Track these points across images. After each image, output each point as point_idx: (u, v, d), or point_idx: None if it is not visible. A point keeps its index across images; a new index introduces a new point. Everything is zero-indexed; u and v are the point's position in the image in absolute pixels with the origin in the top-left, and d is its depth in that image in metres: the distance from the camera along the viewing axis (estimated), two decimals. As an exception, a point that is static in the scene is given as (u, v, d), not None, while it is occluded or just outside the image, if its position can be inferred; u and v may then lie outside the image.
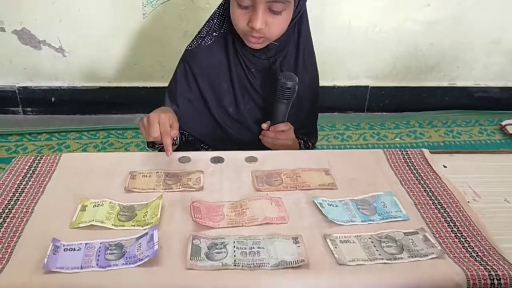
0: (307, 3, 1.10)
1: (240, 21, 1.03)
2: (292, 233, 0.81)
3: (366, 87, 2.47)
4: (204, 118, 1.18)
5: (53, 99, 2.34)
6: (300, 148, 1.23)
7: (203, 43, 1.14)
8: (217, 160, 1.05)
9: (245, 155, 1.07)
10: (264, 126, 1.15)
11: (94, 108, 2.38)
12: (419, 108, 2.53)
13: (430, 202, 0.92)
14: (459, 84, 2.52)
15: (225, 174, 1.00)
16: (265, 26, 1.01)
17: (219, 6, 1.13)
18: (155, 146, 1.15)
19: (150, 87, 2.32)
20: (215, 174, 1.00)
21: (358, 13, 2.23)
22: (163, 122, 0.97)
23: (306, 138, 1.26)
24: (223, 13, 1.12)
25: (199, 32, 1.15)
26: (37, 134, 2.18)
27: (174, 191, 0.94)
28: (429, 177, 1.01)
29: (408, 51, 2.37)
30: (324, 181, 0.98)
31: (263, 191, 0.95)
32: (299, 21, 1.11)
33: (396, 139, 2.29)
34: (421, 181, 0.99)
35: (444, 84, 2.52)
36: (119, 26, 2.17)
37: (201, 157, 1.06)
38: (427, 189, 0.97)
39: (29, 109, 2.37)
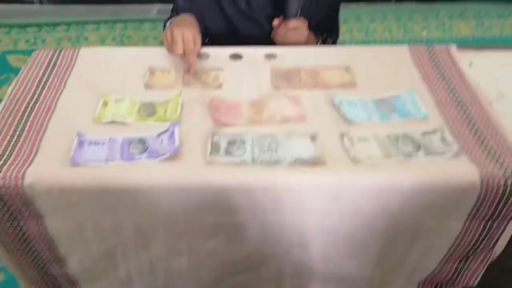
0: None
1: None
2: (310, 131, 0.83)
3: None
4: (216, 15, 1.13)
5: None
6: (317, 42, 1.19)
7: None
8: (236, 57, 1.04)
9: (264, 51, 1.05)
10: (275, 22, 1.10)
11: None
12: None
13: (452, 100, 0.91)
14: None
15: (243, 71, 1.00)
16: None
17: None
18: None
19: None
20: (234, 71, 0.99)
21: None
22: (187, 40, 0.94)
23: (326, 35, 1.22)
24: None
25: None
26: (55, 26, 2.16)
27: (193, 88, 0.94)
28: (453, 75, 0.98)
29: None
30: (344, 79, 0.97)
31: (282, 88, 0.94)
32: None
33: (424, 32, 2.20)
34: (445, 79, 0.97)
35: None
36: None
37: (220, 53, 1.04)
38: (450, 87, 0.95)
39: None
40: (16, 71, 1.84)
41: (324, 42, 1.22)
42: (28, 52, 1.94)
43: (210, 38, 1.19)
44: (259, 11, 1.13)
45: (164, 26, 1.16)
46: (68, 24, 2.16)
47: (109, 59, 1.01)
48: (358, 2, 2.40)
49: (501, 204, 0.77)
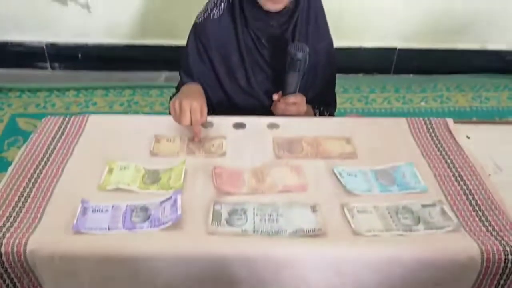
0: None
1: None
2: (311, 202, 0.84)
3: (394, 48, 2.41)
4: (216, 91, 1.16)
5: (80, 55, 2.36)
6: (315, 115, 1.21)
7: (211, 15, 1.11)
8: (240, 126, 1.07)
9: (267, 121, 1.08)
10: (275, 97, 1.11)
11: (120, 65, 2.38)
12: (448, 71, 2.46)
13: (451, 174, 0.93)
14: (491, 47, 2.43)
15: (247, 140, 1.02)
16: None
17: None
18: None
19: (175, 46, 2.28)
20: (237, 140, 1.02)
21: None
22: (194, 111, 0.96)
23: (323, 108, 1.25)
24: None
25: (207, 4, 1.13)
26: (65, 90, 2.22)
27: (197, 157, 0.96)
28: (451, 148, 1.00)
29: (440, 11, 2.28)
30: (344, 150, 0.99)
31: (284, 158, 0.96)
32: None
33: (422, 103, 2.26)
34: (443, 152, 0.99)
35: (475, 46, 2.43)
36: None
37: (224, 122, 1.07)
38: (448, 160, 0.97)
39: (56, 64, 2.40)
40: (24, 134, 1.89)
41: (322, 115, 1.24)
42: (38, 116, 2.02)
43: (211, 108, 1.21)
44: (258, 88, 1.16)
45: (170, 100, 1.19)
46: (77, 89, 2.22)
47: (117, 127, 1.04)
48: (357, 73, 2.47)
49: (502, 281, 0.76)
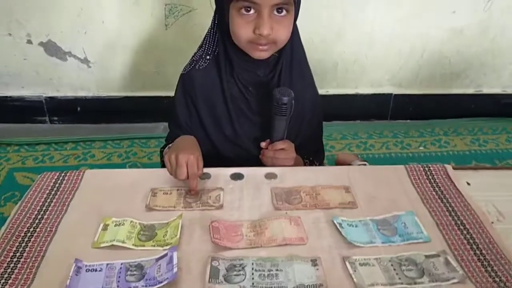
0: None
1: (243, 30, 0.99)
2: (311, 255, 0.81)
3: (390, 95, 2.45)
4: (204, 142, 1.14)
5: (78, 108, 2.39)
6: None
7: (197, 66, 1.12)
8: (237, 177, 1.06)
9: (265, 171, 1.07)
10: (263, 144, 1.11)
11: (119, 117, 2.41)
12: (445, 115, 2.49)
13: (453, 222, 0.91)
14: (486, 91, 2.47)
15: (244, 191, 1.01)
16: (272, 32, 0.98)
17: (208, 30, 1.11)
18: None
19: (172, 96, 2.31)
20: (235, 191, 1.01)
21: (381, 21, 2.20)
22: (191, 164, 0.96)
23: (312, 158, 1.24)
24: (214, 35, 1.10)
25: (193, 56, 1.14)
26: (63, 143, 2.22)
27: (194, 210, 0.95)
28: (452, 195, 0.99)
29: (433, 59, 2.34)
30: (344, 199, 0.98)
31: (283, 209, 0.95)
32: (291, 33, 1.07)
33: (420, 148, 2.26)
34: (444, 200, 0.98)
35: (470, 91, 2.47)
36: (142, 37, 2.20)
37: (221, 173, 1.06)
38: (450, 208, 0.95)
39: (55, 118, 2.42)
40: (21, 188, 1.87)
41: (311, 165, 1.23)
42: (35, 170, 2.01)
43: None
44: (245, 136, 1.15)
45: (161, 152, 1.20)
46: (76, 142, 2.22)
47: (113, 181, 1.03)
48: (355, 120, 2.50)
49: (513, 335, 0.73)
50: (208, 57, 1.11)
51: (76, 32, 2.16)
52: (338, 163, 1.89)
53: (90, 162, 2.10)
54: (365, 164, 1.62)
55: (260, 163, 1.12)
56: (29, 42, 2.20)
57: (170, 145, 1.13)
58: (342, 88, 2.38)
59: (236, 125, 1.14)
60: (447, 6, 2.19)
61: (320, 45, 2.15)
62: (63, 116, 2.42)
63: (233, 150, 1.17)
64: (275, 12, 0.98)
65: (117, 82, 2.33)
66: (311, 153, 1.23)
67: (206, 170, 1.06)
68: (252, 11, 0.97)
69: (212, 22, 1.10)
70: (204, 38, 1.12)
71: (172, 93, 2.30)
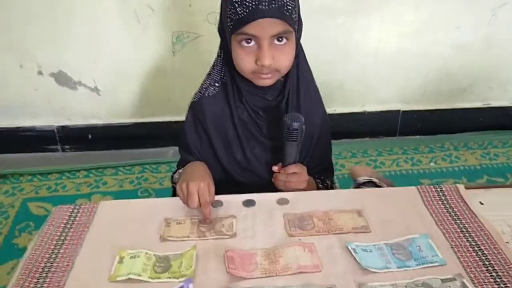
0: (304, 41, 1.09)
1: (245, 61, 1.01)
2: (326, 283, 0.81)
3: (397, 111, 2.45)
4: (215, 168, 1.15)
5: (90, 136, 2.41)
6: (318, 189, 1.21)
7: (206, 93, 1.13)
8: (249, 203, 1.06)
9: (277, 197, 1.07)
10: (275, 168, 1.10)
11: (129, 143, 2.42)
12: (454, 130, 2.48)
13: (467, 244, 0.90)
14: (494, 104, 2.46)
15: (257, 218, 1.01)
16: (274, 61, 0.99)
17: (216, 58, 1.12)
18: None
19: (182, 121, 2.31)
20: (248, 218, 1.01)
21: (386, 39, 2.22)
22: (202, 192, 0.97)
23: (323, 177, 1.24)
24: (221, 64, 1.11)
25: (202, 84, 1.16)
26: (76, 172, 2.24)
27: (208, 239, 0.95)
28: (465, 216, 0.99)
29: (439, 74, 2.34)
30: (357, 223, 0.98)
31: (296, 236, 0.95)
32: (296, 54, 1.08)
33: (431, 164, 2.25)
34: (458, 221, 0.97)
35: (478, 105, 2.47)
36: (150, 64, 2.22)
37: (233, 201, 1.06)
38: (464, 229, 0.95)
39: (67, 146, 2.44)
40: (36, 219, 1.89)
41: (323, 183, 1.23)
42: (48, 200, 2.03)
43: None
44: (257, 160, 1.16)
45: (172, 178, 1.21)
46: (87, 170, 2.24)
47: (127, 212, 1.04)
48: (363, 137, 2.49)
49: None
50: (216, 84, 1.13)
51: (86, 61, 2.19)
52: (352, 174, 1.88)
53: (102, 189, 2.11)
54: (371, 181, 1.61)
55: (273, 187, 1.12)
56: (40, 73, 2.23)
57: (180, 170, 1.15)
58: (350, 107, 2.39)
59: (247, 150, 1.15)
60: (451, 22, 2.20)
61: (324, 66, 2.15)
62: (74, 144, 2.44)
63: (245, 175, 1.17)
64: (275, 41, 0.99)
65: (126, 109, 2.36)
66: (322, 171, 1.23)
67: (218, 197, 1.06)
68: (252, 43, 0.98)
69: (218, 51, 1.12)
70: (213, 66, 1.14)
71: (181, 118, 2.30)
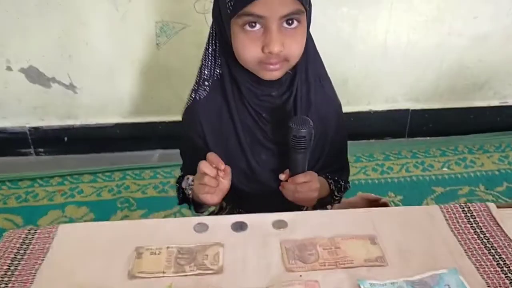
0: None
1: (249, 49, 0.90)
2: (335, 337, 0.67)
3: (406, 110, 2.34)
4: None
5: (66, 138, 2.29)
6: (331, 191, 1.12)
7: (197, 96, 1.02)
8: (239, 227, 0.93)
9: (272, 219, 0.93)
10: (282, 177, 1.02)
11: (110, 146, 2.31)
12: (467, 131, 2.37)
13: (507, 281, 0.77)
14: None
15: (249, 246, 0.87)
16: (284, 47, 0.89)
17: (204, 52, 1.01)
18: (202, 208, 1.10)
19: (168, 121, 2.24)
20: (237, 246, 0.87)
21: (395, 29, 2.10)
22: (210, 159, 0.93)
23: (337, 177, 1.14)
24: (212, 58, 1.00)
25: (193, 85, 1.05)
26: (49, 178, 2.11)
27: (187, 275, 0.81)
28: (500, 244, 0.85)
29: (453, 69, 2.23)
30: (370, 253, 0.84)
31: (296, 271, 0.81)
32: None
33: (444, 169, 2.12)
34: (492, 251, 0.83)
35: (495, 103, 2.36)
36: (131, 58, 2.10)
37: (221, 224, 0.93)
38: (501, 262, 0.81)
39: (41, 149, 2.32)
40: (2, 233, 1.73)
41: (336, 185, 1.14)
42: (18, 211, 1.88)
43: None
44: (262, 169, 1.06)
45: (178, 189, 1.12)
46: (63, 176, 2.11)
47: (90, 239, 0.90)
48: (369, 139, 2.38)
49: None
50: (206, 83, 1.02)
51: (60, 55, 2.07)
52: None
53: (77, 199, 1.98)
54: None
55: (281, 197, 1.03)
56: (9, 69, 2.10)
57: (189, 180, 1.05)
58: (354, 105, 2.28)
59: (251, 157, 1.05)
60: (468, 12, 2.09)
61: (326, 60, 2.00)
62: (49, 147, 2.32)
63: (249, 183, 1.07)
64: (285, 25, 0.89)
65: (106, 108, 2.24)
66: (336, 171, 1.15)
67: (203, 219, 0.94)
68: (257, 26, 0.88)
69: (207, 42, 1.00)
70: (202, 62, 1.02)
71: (166, 118, 2.26)
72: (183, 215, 1.77)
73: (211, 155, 0.94)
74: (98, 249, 0.87)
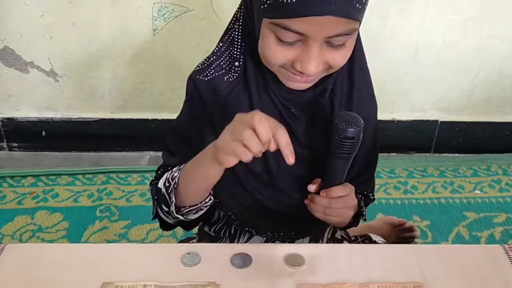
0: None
1: (278, 57, 0.77)
2: None
3: (435, 121, 2.18)
4: (229, 182, 0.91)
5: (43, 132, 2.16)
6: (360, 208, 0.98)
7: (225, 77, 0.87)
8: (241, 261, 0.78)
9: (285, 252, 0.79)
10: (312, 188, 0.88)
11: (94, 144, 2.19)
12: (501, 149, 2.23)
13: None
14: (555, 119, 2.22)
15: (253, 288, 0.70)
16: (321, 66, 0.77)
17: (233, 27, 0.87)
18: (181, 210, 0.90)
19: (162, 119, 2.11)
20: (238, 288, 0.70)
21: (430, 27, 1.94)
22: (259, 122, 0.70)
23: (366, 191, 1.04)
24: (240, 39, 0.87)
25: (212, 58, 0.89)
26: (21, 178, 1.95)
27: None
28: None
29: (491, 77, 2.08)
30: (417, 310, 0.66)
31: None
32: None
33: (476, 191, 1.96)
34: None
35: (536, 118, 2.22)
36: (123, 44, 1.95)
37: (217, 255, 0.78)
38: None
39: (15, 144, 2.19)
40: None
41: (364, 203, 1.02)
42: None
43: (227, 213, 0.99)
44: (283, 175, 0.92)
45: (152, 188, 0.95)
46: (36, 176, 1.95)
47: (45, 265, 0.74)
48: (390, 152, 2.24)
49: None
50: (237, 63, 0.87)
51: (40, 37, 1.92)
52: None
53: (50, 204, 1.81)
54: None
55: (301, 212, 0.91)
56: (-20, 49, 1.97)
57: (174, 171, 0.90)
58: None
59: (271, 159, 0.91)
60: (513, 11, 1.94)
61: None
62: (24, 142, 2.19)
63: (264, 189, 0.93)
64: (333, 42, 0.75)
65: (91, 100, 2.11)
66: (364, 183, 1.05)
67: (195, 249, 0.78)
68: (295, 41, 0.75)
69: (236, 12, 0.87)
70: (228, 34, 0.88)
71: (160, 115, 2.10)
72: (174, 231, 1.59)
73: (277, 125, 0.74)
74: (52, 281, 0.70)
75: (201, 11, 1.86)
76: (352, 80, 0.89)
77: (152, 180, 0.97)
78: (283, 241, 1.00)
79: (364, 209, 1.00)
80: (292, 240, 1.01)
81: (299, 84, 0.81)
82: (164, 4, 1.85)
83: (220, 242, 1.02)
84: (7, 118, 2.12)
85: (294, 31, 0.72)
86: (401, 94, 2.10)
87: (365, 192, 1.04)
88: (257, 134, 0.70)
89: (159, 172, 0.97)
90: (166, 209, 0.89)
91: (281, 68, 0.80)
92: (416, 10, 1.90)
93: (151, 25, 1.90)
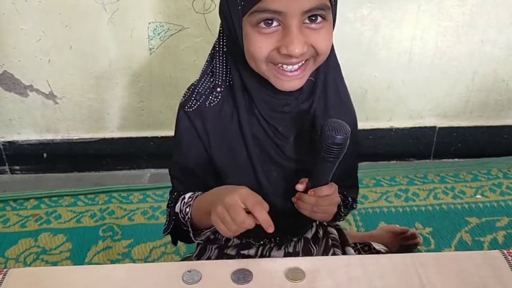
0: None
1: (262, 48, 0.81)
2: None
3: (433, 128, 2.18)
4: None
5: (45, 154, 2.16)
6: (338, 209, 1.01)
7: (207, 103, 0.93)
8: (242, 278, 0.79)
9: (285, 266, 0.79)
10: (299, 187, 0.92)
11: (95, 164, 2.19)
12: (500, 152, 2.23)
13: None
14: (553, 121, 2.22)
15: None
16: (306, 47, 0.80)
17: (215, 52, 0.92)
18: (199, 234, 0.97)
19: (161, 137, 2.11)
20: (239, 305, 0.70)
21: (422, 35, 1.95)
22: (246, 198, 0.80)
23: (346, 192, 1.08)
24: (223, 60, 0.92)
25: (196, 87, 0.95)
26: (24, 201, 1.95)
27: None
28: None
29: (486, 82, 2.08)
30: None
31: None
32: None
33: (478, 196, 1.95)
34: None
35: (533, 121, 2.21)
36: (120, 64, 1.96)
37: (218, 271, 0.78)
38: None
39: (17, 167, 2.18)
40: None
41: (344, 201, 1.07)
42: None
43: None
44: (273, 189, 0.98)
45: (170, 212, 1.01)
46: (39, 198, 1.95)
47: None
48: (389, 160, 2.24)
49: None
50: (218, 89, 0.93)
51: (38, 60, 1.93)
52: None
53: (53, 225, 1.81)
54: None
55: (288, 217, 0.96)
56: (-20, 74, 1.97)
57: (185, 199, 0.97)
58: (373, 121, 2.14)
59: (261, 176, 0.97)
60: (506, 17, 1.94)
61: (344, 68, 1.89)
62: (26, 165, 2.18)
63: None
64: (307, 21, 0.80)
65: (91, 121, 2.11)
66: (346, 188, 1.09)
67: (196, 266, 0.79)
68: (274, 24, 0.80)
69: (216, 40, 0.93)
70: (210, 60, 0.94)
71: (159, 133, 2.12)
72: (176, 247, 1.59)
73: (262, 204, 0.82)
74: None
75: (195, 29, 1.87)
76: (326, 91, 0.94)
77: (169, 203, 1.02)
78: (279, 246, 1.06)
79: (342, 209, 1.05)
80: (287, 242, 1.07)
81: (290, 83, 0.84)
82: (160, 24, 1.86)
83: (217, 243, 1.07)
84: (8, 142, 2.12)
85: (272, 10, 0.76)
86: (398, 102, 2.10)
87: (345, 193, 1.07)
88: (231, 217, 0.78)
89: (173, 196, 1.02)
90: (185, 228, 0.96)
91: (269, 64, 0.82)
92: (408, 19, 1.91)
93: (147, 45, 1.91)
